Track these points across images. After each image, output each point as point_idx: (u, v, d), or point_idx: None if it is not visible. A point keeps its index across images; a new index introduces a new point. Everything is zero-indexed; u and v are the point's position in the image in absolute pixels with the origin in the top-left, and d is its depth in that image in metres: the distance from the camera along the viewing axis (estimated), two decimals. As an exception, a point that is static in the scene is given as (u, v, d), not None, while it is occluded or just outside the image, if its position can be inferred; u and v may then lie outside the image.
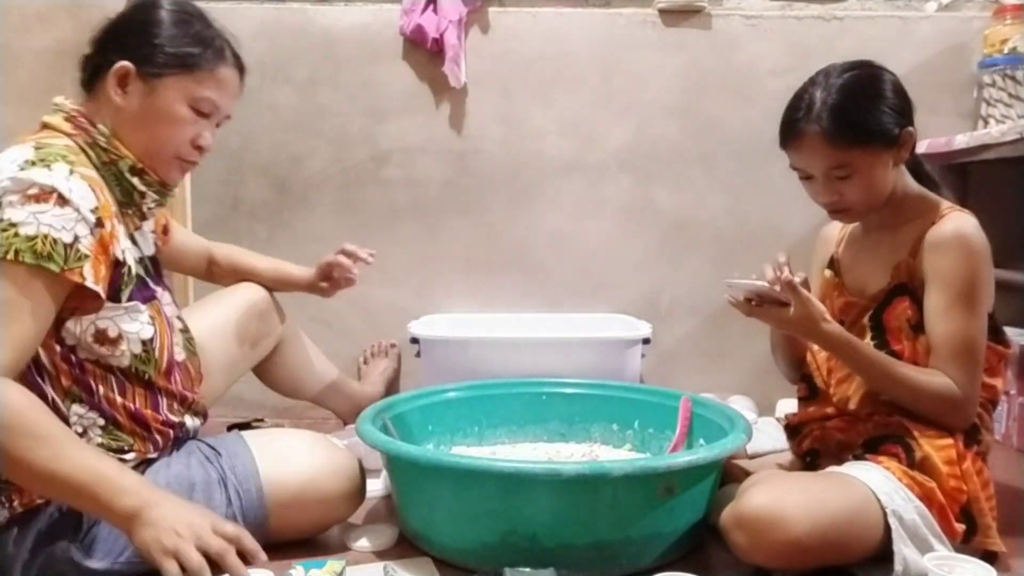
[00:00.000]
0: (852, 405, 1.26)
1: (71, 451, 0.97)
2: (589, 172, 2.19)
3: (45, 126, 1.15)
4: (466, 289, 2.20)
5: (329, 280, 1.62)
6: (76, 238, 1.02)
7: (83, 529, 1.09)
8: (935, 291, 1.17)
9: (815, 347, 1.34)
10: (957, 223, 1.18)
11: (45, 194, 1.01)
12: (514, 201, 2.19)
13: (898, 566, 1.07)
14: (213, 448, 1.21)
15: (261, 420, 1.44)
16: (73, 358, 1.10)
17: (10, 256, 0.98)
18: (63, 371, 1.09)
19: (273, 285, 1.63)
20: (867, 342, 1.23)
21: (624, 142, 2.17)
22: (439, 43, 2.07)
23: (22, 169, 1.02)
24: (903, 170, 1.25)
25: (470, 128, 2.17)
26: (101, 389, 1.12)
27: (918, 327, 1.20)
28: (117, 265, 1.11)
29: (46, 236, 1.00)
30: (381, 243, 2.20)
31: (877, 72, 1.22)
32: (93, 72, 1.17)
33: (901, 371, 1.17)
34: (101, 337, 1.10)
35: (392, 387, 2.05)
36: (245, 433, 1.28)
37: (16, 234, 0.99)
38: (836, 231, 1.40)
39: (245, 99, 2.18)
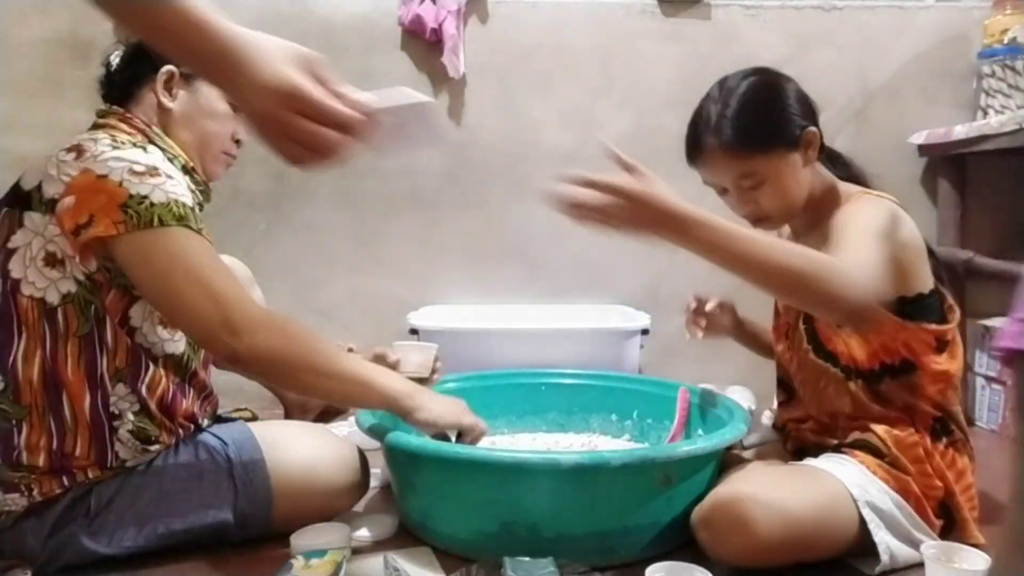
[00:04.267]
0: (813, 411, 1.27)
1: (350, 357, 1.18)
2: (588, 163, 2.15)
3: (99, 127, 1.19)
4: (465, 280, 2.21)
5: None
6: (194, 205, 1.12)
7: (92, 515, 1.11)
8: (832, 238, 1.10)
9: (779, 347, 1.33)
10: (860, 198, 1.18)
11: (152, 171, 1.08)
12: (513, 192, 2.19)
13: (884, 555, 1.07)
14: (219, 438, 1.22)
15: (244, 410, 1.44)
16: (130, 341, 1.13)
17: (156, 223, 1.05)
18: (121, 348, 1.12)
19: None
20: (806, 346, 1.23)
21: (623, 132, 2.17)
22: (438, 33, 2.07)
23: (116, 148, 1.10)
24: (818, 169, 1.23)
25: (469, 119, 2.16)
26: (147, 374, 1.14)
27: None
28: None
29: (176, 201, 1.08)
30: (380, 234, 2.21)
31: (771, 78, 1.22)
32: (131, 82, 1.23)
33: (770, 241, 1.02)
34: (165, 321, 1.15)
35: None
36: (251, 424, 1.29)
37: (152, 204, 1.05)
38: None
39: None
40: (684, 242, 0.99)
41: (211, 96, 1.24)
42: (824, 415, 1.26)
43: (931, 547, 1.04)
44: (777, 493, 1.07)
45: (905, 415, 1.18)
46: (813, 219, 1.23)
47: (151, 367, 1.15)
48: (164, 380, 1.16)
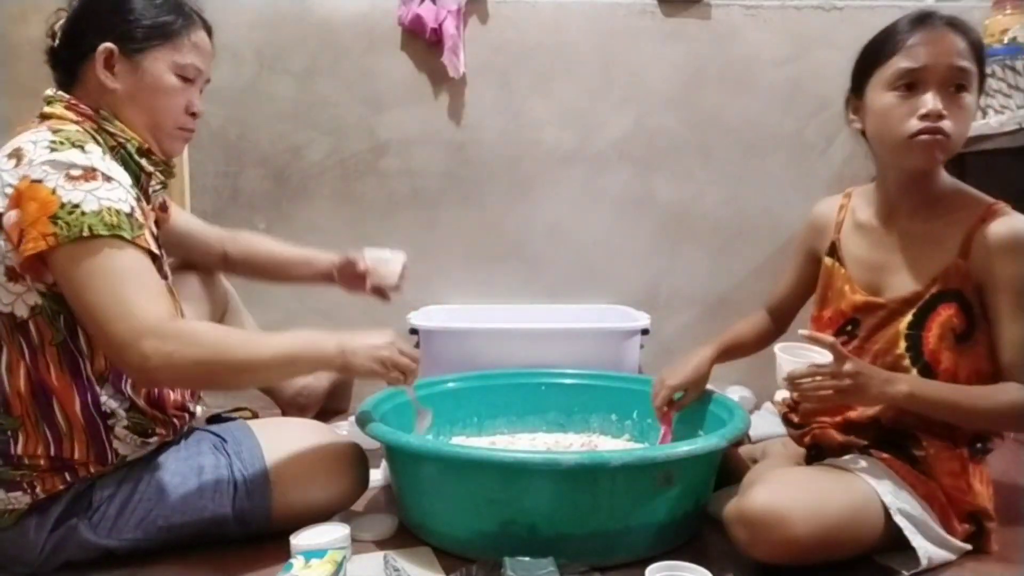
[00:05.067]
0: (853, 414, 1.23)
1: (269, 339, 1.12)
2: (588, 163, 2.18)
3: (46, 117, 1.14)
4: (465, 280, 2.21)
5: (346, 276, 1.56)
6: (132, 209, 1.06)
7: (92, 508, 1.11)
8: (1003, 296, 1.11)
9: None
10: (1013, 223, 1.12)
11: (88, 173, 1.03)
12: (513, 192, 2.19)
13: (923, 560, 1.09)
14: (220, 436, 1.23)
15: (244, 409, 1.44)
16: None
17: (86, 233, 1.00)
18: (99, 353, 1.10)
19: (293, 270, 1.59)
20: (900, 352, 1.17)
21: (623, 133, 2.17)
22: (438, 33, 2.07)
23: (54, 150, 1.04)
24: None
25: (469, 119, 2.16)
26: (128, 378, 1.13)
27: (962, 337, 1.14)
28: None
29: (108, 208, 1.02)
30: (380, 234, 2.21)
31: None
32: (72, 62, 1.15)
33: (975, 400, 1.12)
34: None
35: (341, 387, 1.94)
36: (251, 422, 1.30)
37: (82, 212, 1.00)
38: (833, 214, 1.32)
39: (243, 90, 2.19)
40: (900, 405, 1.13)
41: (156, 71, 1.15)
42: (868, 412, 1.21)
43: (778, 346, 1.16)
44: (815, 494, 1.08)
45: (948, 427, 1.17)
46: (920, 205, 1.19)
47: (129, 379, 1.14)
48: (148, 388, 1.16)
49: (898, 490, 1.12)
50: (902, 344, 1.17)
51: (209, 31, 1.23)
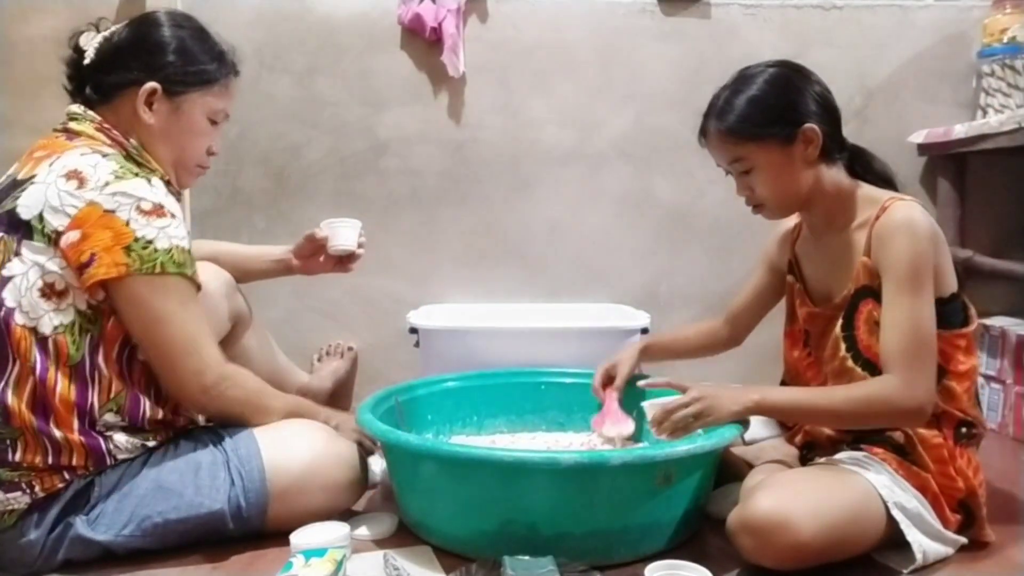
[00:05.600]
0: None
1: (280, 397, 1.32)
2: (588, 162, 2.18)
3: (73, 133, 1.17)
4: (465, 279, 2.21)
5: (305, 256, 1.58)
6: (189, 246, 1.16)
7: (90, 504, 1.12)
8: (886, 282, 1.14)
9: (794, 353, 1.34)
10: (900, 212, 1.15)
11: (157, 209, 1.11)
12: (513, 191, 2.19)
13: (918, 554, 1.09)
14: (217, 432, 1.24)
15: None
16: (126, 366, 1.14)
17: (158, 270, 1.10)
18: (115, 375, 1.13)
19: (251, 263, 1.59)
20: (843, 354, 1.21)
21: (623, 131, 2.17)
22: (437, 32, 2.07)
23: (119, 179, 1.10)
24: (831, 169, 1.23)
25: (469, 118, 2.16)
26: (145, 400, 1.16)
27: None
28: None
29: (176, 247, 1.12)
30: (379, 233, 2.21)
31: (788, 72, 1.23)
32: (108, 87, 1.20)
33: (832, 399, 1.15)
34: None
35: (342, 388, 1.97)
36: None
37: (155, 249, 1.10)
38: (787, 232, 1.39)
39: (242, 89, 2.17)
40: (759, 414, 1.21)
41: (192, 113, 1.23)
42: None
43: (645, 402, 1.24)
44: (817, 495, 1.08)
45: (931, 417, 1.16)
46: (831, 219, 1.25)
47: (149, 389, 1.17)
48: (163, 409, 1.19)
49: (893, 484, 1.12)
50: (842, 347, 1.22)
51: (238, 74, 1.32)
